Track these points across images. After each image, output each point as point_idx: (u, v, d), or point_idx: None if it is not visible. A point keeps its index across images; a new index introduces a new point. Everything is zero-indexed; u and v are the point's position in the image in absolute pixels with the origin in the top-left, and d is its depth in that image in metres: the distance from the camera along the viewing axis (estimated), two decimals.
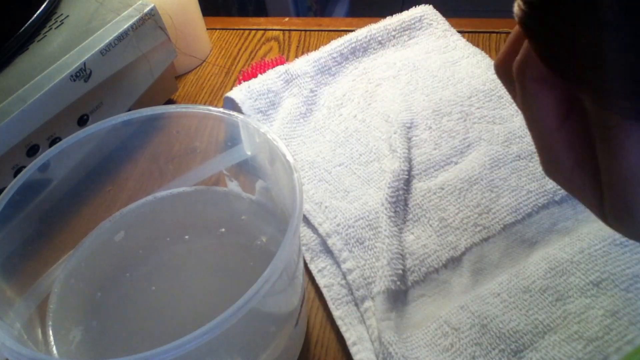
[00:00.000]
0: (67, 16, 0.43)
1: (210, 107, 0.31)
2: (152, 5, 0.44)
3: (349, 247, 0.36)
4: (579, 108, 0.21)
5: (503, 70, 0.23)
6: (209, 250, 0.34)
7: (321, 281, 0.36)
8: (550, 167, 0.22)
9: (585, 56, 0.17)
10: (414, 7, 0.54)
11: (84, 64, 0.39)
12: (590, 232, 0.34)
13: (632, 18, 0.16)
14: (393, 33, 0.52)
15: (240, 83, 0.49)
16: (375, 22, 0.53)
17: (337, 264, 0.36)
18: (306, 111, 0.46)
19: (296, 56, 0.54)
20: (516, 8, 0.19)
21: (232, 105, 0.46)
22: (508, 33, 0.55)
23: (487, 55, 0.49)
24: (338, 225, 0.37)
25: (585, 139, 0.21)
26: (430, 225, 0.37)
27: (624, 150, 0.19)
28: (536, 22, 0.19)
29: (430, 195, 0.38)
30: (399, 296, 0.34)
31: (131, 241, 0.34)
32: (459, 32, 0.52)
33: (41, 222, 0.31)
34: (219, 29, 0.62)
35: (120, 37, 0.42)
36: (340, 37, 0.51)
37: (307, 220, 0.38)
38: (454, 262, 0.35)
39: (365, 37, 0.51)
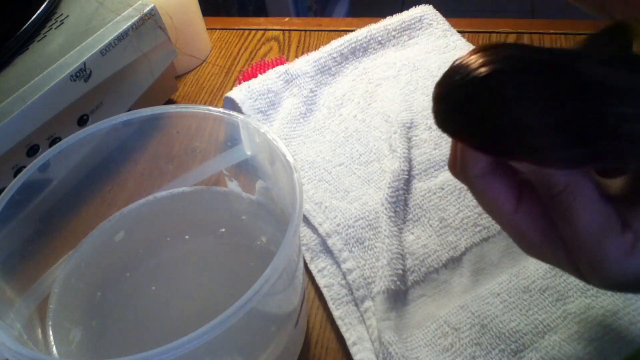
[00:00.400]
0: (67, 16, 0.43)
1: (210, 107, 0.31)
2: (152, 5, 0.44)
3: (349, 247, 0.36)
4: (528, 189, 0.22)
5: (454, 173, 0.24)
6: (209, 250, 0.34)
7: (321, 281, 0.36)
8: (522, 246, 0.23)
9: (510, 131, 0.19)
10: (414, 7, 0.54)
11: (84, 64, 0.39)
12: None
13: (537, 98, 0.18)
14: (393, 33, 0.52)
15: (240, 83, 0.49)
16: (375, 22, 0.53)
17: (337, 264, 0.36)
18: (306, 111, 0.46)
19: (296, 56, 0.54)
20: (437, 117, 0.22)
21: (232, 105, 0.46)
22: (508, 33, 0.55)
23: None
24: (338, 225, 0.37)
25: (542, 214, 0.22)
26: (430, 225, 0.37)
27: (575, 213, 0.20)
28: (452, 122, 0.21)
29: (430, 195, 0.38)
30: (399, 296, 0.34)
31: (131, 241, 0.34)
32: (459, 32, 0.52)
33: (41, 222, 0.31)
34: (219, 29, 0.62)
35: (120, 37, 0.42)
36: (340, 37, 0.51)
37: (307, 220, 0.38)
38: (454, 262, 0.35)
39: (365, 37, 0.51)
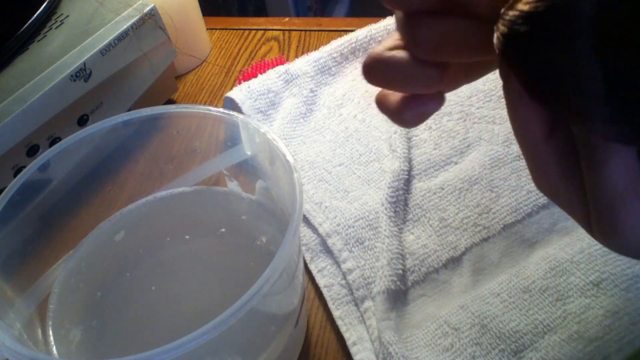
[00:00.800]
0: (67, 16, 0.43)
1: (210, 107, 0.31)
2: (152, 5, 0.44)
3: (349, 247, 0.36)
4: (565, 124, 0.21)
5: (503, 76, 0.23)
6: (209, 250, 0.34)
7: (321, 281, 0.36)
8: (538, 178, 0.22)
9: (564, 85, 0.17)
10: None
11: (84, 64, 0.39)
12: None
13: (602, 52, 0.16)
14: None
15: (240, 83, 0.49)
16: (375, 22, 0.53)
17: (337, 264, 0.36)
18: (306, 111, 0.46)
19: (296, 56, 0.54)
20: (495, 40, 0.19)
21: (232, 105, 0.46)
22: None
23: None
24: (338, 225, 0.37)
25: (572, 153, 0.21)
26: (430, 225, 0.37)
27: (607, 169, 0.19)
28: (514, 53, 0.19)
29: (430, 195, 0.38)
30: (399, 296, 0.34)
31: (131, 241, 0.34)
32: None
33: (41, 222, 0.31)
34: (219, 29, 0.62)
35: (120, 37, 0.42)
36: (340, 37, 0.51)
37: (307, 220, 0.38)
38: (454, 262, 0.35)
39: (365, 37, 0.51)
